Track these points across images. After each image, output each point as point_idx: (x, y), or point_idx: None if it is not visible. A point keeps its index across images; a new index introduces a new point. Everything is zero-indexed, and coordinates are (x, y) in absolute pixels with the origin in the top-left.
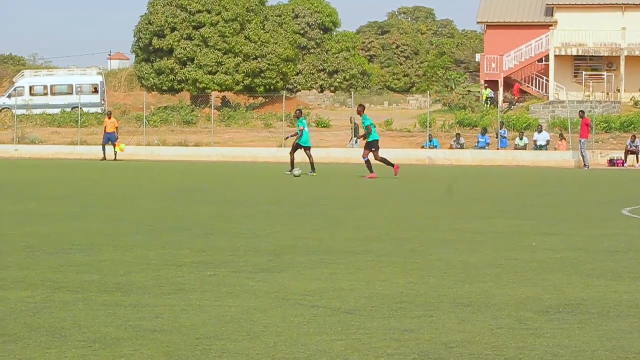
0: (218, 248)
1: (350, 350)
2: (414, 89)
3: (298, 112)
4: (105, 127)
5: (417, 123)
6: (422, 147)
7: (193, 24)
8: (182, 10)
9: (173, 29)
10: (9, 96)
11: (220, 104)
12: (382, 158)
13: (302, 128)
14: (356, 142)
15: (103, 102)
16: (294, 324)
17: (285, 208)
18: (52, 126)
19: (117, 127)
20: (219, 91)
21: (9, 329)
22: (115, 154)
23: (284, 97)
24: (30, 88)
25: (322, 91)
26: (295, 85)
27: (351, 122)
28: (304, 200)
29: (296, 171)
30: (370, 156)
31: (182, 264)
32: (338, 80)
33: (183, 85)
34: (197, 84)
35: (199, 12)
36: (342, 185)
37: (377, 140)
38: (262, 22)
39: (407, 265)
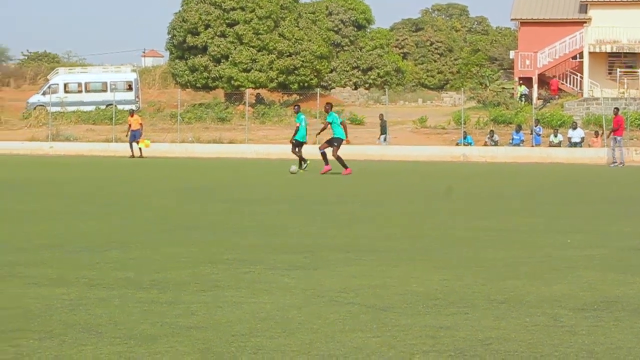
0: (251, 245)
1: (385, 347)
2: (448, 85)
3: (296, 107)
4: (130, 125)
5: (451, 120)
6: (457, 144)
7: (227, 21)
8: (215, 8)
9: (207, 26)
10: (44, 93)
11: (254, 101)
12: (338, 156)
13: (298, 125)
14: (385, 139)
15: (137, 99)
16: (329, 321)
17: (317, 205)
18: (86, 123)
19: (141, 124)
20: (253, 88)
21: (45, 325)
22: (140, 151)
23: (318, 94)
24: (65, 85)
25: (355, 88)
26: (329, 82)
27: (380, 119)
28: (336, 197)
29: (293, 167)
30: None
31: (217, 261)
32: (372, 77)
33: (217, 82)
34: (231, 81)
35: (233, 9)
36: (375, 182)
37: (341, 139)
38: (296, 19)
39: (440, 262)
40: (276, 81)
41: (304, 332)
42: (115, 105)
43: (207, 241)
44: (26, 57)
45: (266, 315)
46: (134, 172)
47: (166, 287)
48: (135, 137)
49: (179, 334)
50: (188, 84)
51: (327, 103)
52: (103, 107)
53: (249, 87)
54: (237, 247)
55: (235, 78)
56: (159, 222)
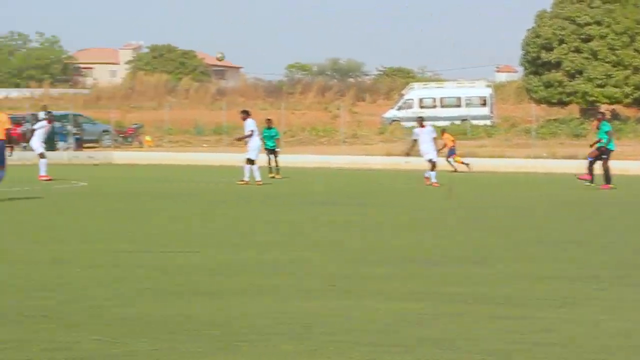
0: (602, 262)
1: None
2: None
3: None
4: (445, 144)
5: None
6: None
7: (581, 36)
8: (570, 23)
9: (561, 42)
10: (399, 108)
11: (609, 117)
12: (607, 168)
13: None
14: None
15: (491, 115)
16: None
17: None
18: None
19: (453, 141)
20: (607, 104)
21: (399, 339)
22: (454, 167)
23: None
24: (420, 100)
25: None
26: None
27: None
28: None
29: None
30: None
31: (568, 277)
32: None
33: (571, 97)
34: (586, 97)
35: (587, 24)
36: None
37: (611, 150)
38: None
39: None
40: (631, 97)
41: None
42: (470, 121)
43: (557, 257)
44: (381, 73)
45: (624, 335)
46: (479, 188)
47: (519, 302)
48: (451, 153)
49: (535, 350)
50: (542, 99)
51: (600, 112)
52: (458, 122)
53: (603, 103)
54: (587, 263)
55: (589, 93)
56: (504, 237)
